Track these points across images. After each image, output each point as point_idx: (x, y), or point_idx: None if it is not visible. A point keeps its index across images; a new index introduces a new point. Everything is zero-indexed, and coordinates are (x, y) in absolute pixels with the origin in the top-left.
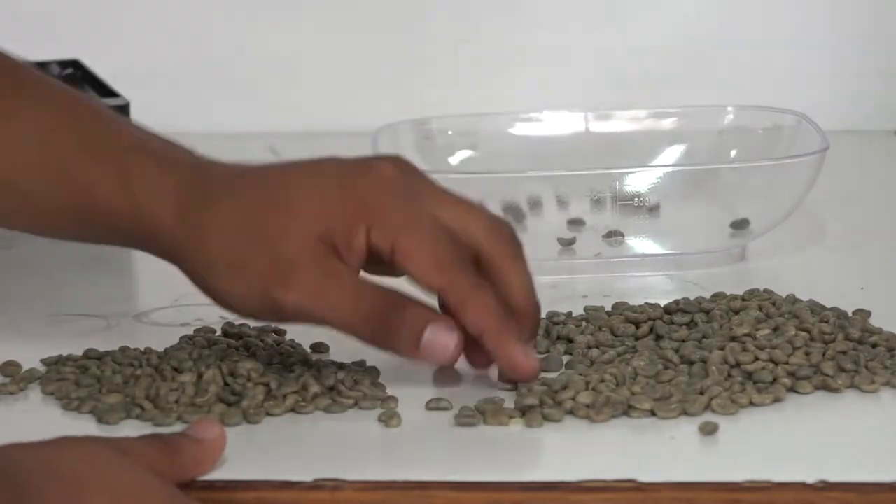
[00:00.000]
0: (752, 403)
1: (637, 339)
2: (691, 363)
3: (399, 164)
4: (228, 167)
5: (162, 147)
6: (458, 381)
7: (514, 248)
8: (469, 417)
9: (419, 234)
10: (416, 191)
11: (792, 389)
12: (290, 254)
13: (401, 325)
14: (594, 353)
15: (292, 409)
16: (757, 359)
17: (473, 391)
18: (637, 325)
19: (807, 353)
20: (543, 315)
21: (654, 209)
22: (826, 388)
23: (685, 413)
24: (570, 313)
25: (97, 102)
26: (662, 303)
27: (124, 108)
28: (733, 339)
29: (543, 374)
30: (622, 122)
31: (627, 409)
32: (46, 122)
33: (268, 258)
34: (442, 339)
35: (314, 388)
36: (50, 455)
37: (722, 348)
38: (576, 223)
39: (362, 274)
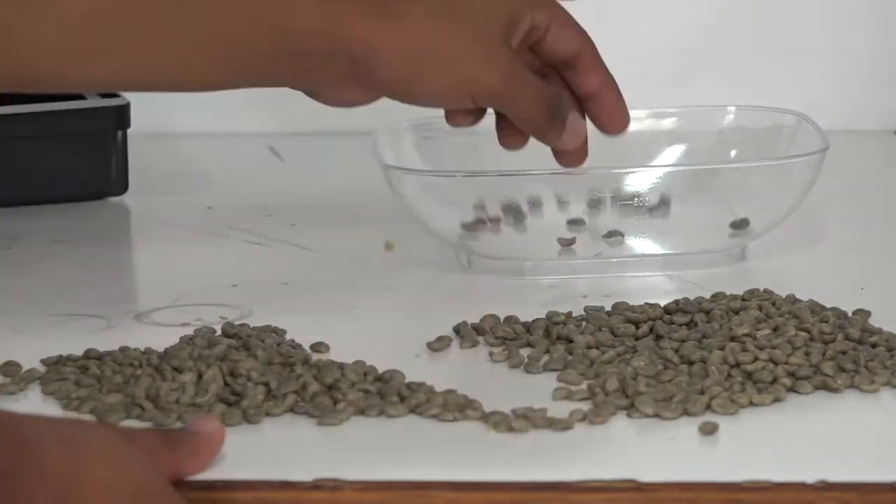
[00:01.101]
0: (752, 403)
1: (637, 339)
2: (691, 363)
3: None
4: None
5: None
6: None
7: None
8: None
9: (566, 15)
10: None
11: (792, 389)
12: (489, 43)
13: (560, 115)
14: (594, 353)
15: (292, 409)
16: (757, 359)
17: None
18: (637, 325)
19: (807, 353)
20: (543, 315)
21: (654, 209)
22: (826, 388)
23: (686, 413)
24: (570, 313)
25: None
26: (662, 303)
27: (124, 108)
28: (733, 339)
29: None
30: None
31: (629, 409)
32: None
33: (470, 48)
34: (576, 127)
35: (314, 387)
36: (59, 425)
37: (722, 348)
38: (576, 223)
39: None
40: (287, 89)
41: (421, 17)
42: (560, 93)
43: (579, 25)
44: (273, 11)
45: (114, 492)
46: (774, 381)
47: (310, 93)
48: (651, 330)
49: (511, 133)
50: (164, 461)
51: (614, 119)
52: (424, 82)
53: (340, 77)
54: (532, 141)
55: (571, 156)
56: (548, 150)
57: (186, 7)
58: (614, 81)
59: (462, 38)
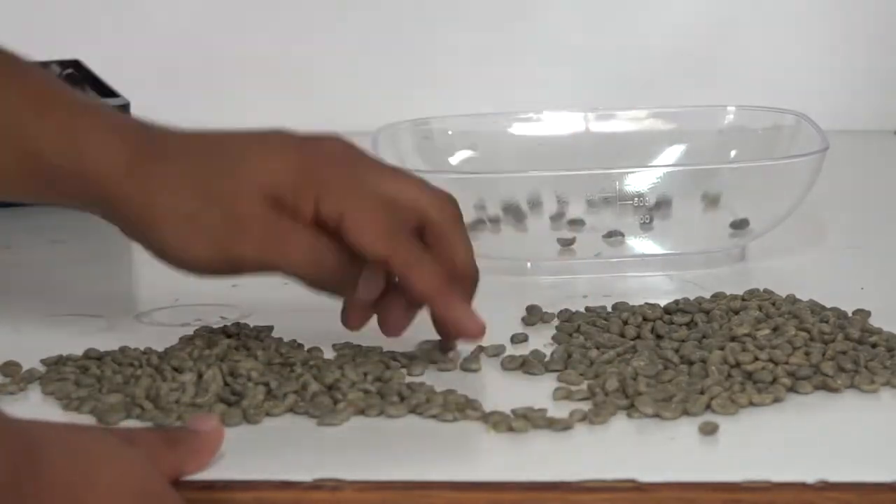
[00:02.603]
0: (752, 403)
1: (637, 338)
2: (691, 363)
3: (342, 141)
4: (178, 131)
5: (111, 110)
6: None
7: (456, 217)
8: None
9: (365, 206)
10: (361, 165)
11: (792, 389)
12: (243, 212)
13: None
14: (594, 353)
15: (292, 409)
16: (757, 359)
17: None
18: (637, 325)
19: (807, 353)
20: (555, 310)
21: (654, 209)
22: (826, 388)
23: (686, 413)
24: (570, 313)
25: (43, 70)
26: (662, 303)
27: (124, 108)
28: (733, 339)
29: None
30: (622, 122)
31: (629, 409)
32: (14, 101)
33: (220, 216)
34: (370, 281)
35: (314, 387)
36: (66, 433)
37: (722, 348)
38: (576, 223)
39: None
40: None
41: (178, 174)
42: (330, 246)
43: (389, 217)
44: (32, 144)
45: (119, 496)
46: (774, 381)
47: None
48: (651, 330)
49: (352, 312)
50: (165, 461)
51: (462, 329)
52: (172, 240)
53: (103, 217)
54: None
55: (458, 332)
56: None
57: None
58: (443, 289)
59: (215, 199)
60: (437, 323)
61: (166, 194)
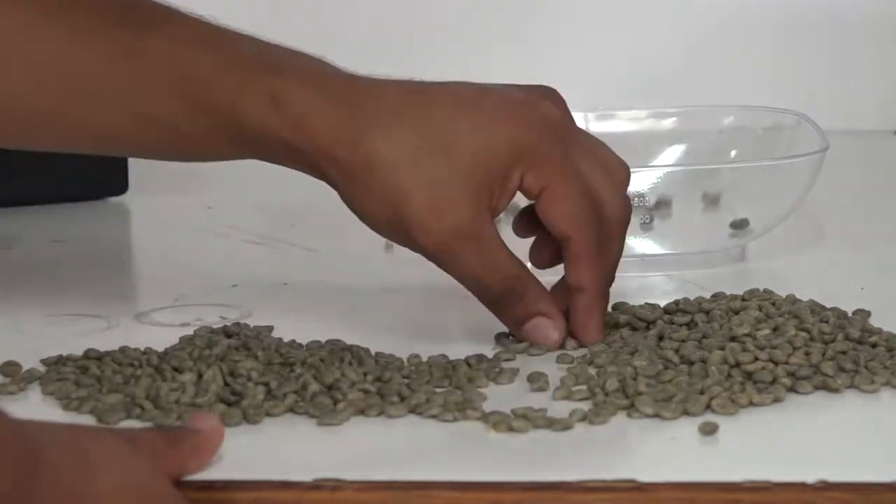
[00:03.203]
0: (752, 403)
1: (637, 338)
2: (691, 363)
3: (559, 103)
4: (383, 87)
5: (306, 64)
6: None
7: (625, 226)
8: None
9: (567, 185)
10: (572, 137)
11: (792, 389)
12: (445, 198)
13: (515, 306)
14: (594, 352)
15: (292, 409)
16: (757, 359)
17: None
18: (636, 326)
19: (807, 353)
20: None
21: (654, 209)
22: (826, 388)
23: (686, 413)
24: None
25: (219, 26)
26: (662, 303)
27: None
28: (733, 339)
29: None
30: (622, 122)
31: (629, 409)
32: (181, 53)
33: (424, 198)
34: (543, 333)
35: (314, 387)
36: (67, 433)
37: (722, 348)
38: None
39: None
40: None
41: (388, 150)
42: (521, 285)
43: (585, 203)
44: (226, 108)
45: (122, 496)
46: (774, 381)
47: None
48: (647, 328)
49: (541, 254)
50: (167, 460)
51: (583, 330)
52: (369, 215)
53: (307, 171)
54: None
55: (578, 334)
56: None
57: (138, 92)
58: (599, 288)
59: (420, 184)
60: (569, 313)
61: (377, 166)
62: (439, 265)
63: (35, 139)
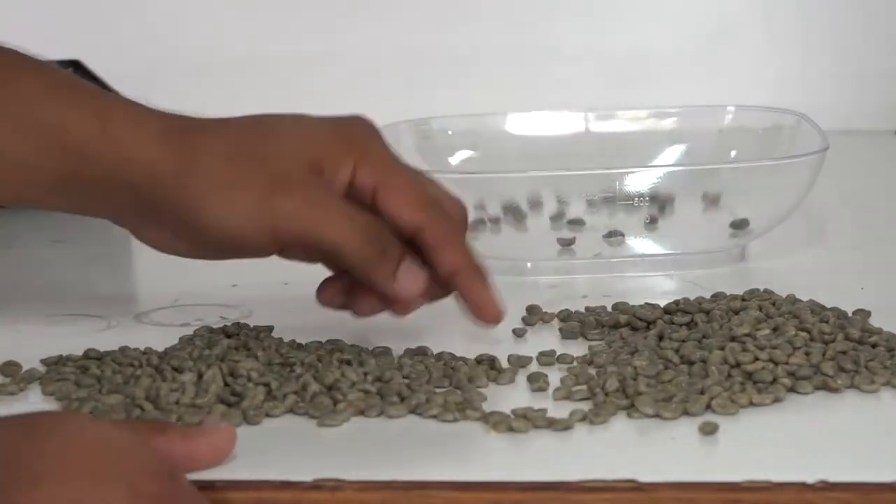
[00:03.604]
0: (752, 403)
1: (637, 338)
2: (691, 363)
3: (371, 121)
4: (210, 119)
5: (136, 101)
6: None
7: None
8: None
9: (402, 176)
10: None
11: (792, 389)
12: (287, 171)
13: (387, 250)
14: (595, 352)
15: (292, 410)
16: (757, 359)
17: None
18: (636, 326)
19: (807, 353)
20: (555, 310)
21: (654, 209)
22: (826, 388)
23: (686, 413)
24: (571, 312)
25: (54, 64)
26: (662, 303)
27: None
28: (733, 339)
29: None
30: (622, 122)
31: (629, 409)
32: (7, 76)
33: (265, 175)
34: (415, 271)
35: (314, 388)
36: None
37: (722, 348)
38: (576, 223)
39: None
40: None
41: (217, 146)
42: (386, 231)
43: (424, 192)
44: (59, 133)
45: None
46: (774, 381)
47: (132, 233)
48: (647, 327)
49: (330, 287)
50: (174, 450)
51: (482, 309)
52: (212, 207)
53: (126, 207)
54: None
55: (403, 306)
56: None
57: None
58: (473, 265)
59: (258, 165)
60: (462, 301)
61: (207, 159)
62: (305, 235)
63: None
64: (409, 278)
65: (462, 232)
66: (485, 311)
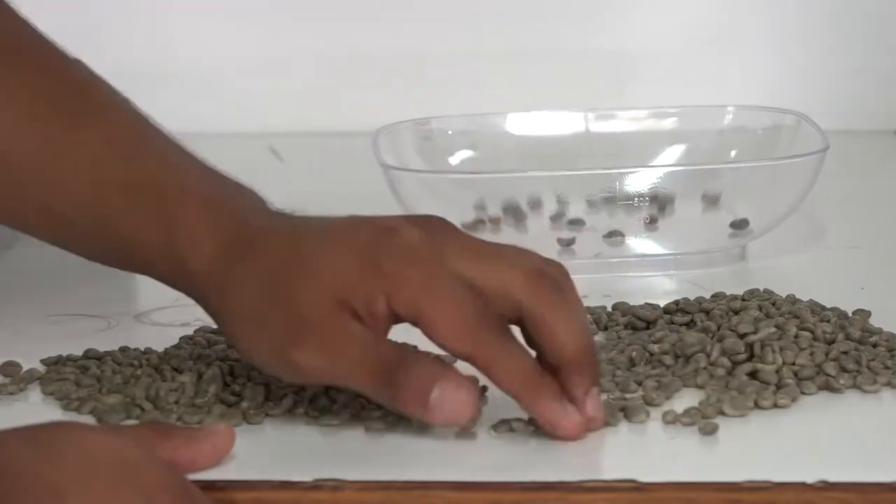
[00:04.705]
0: (755, 404)
1: (636, 338)
2: (690, 363)
3: (427, 227)
4: (267, 219)
5: (208, 192)
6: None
7: (555, 296)
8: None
9: (441, 302)
10: (442, 253)
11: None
12: (306, 314)
13: (407, 382)
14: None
15: (290, 411)
16: (760, 359)
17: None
18: (636, 326)
19: (810, 354)
20: None
21: (654, 209)
22: (829, 388)
23: (687, 413)
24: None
25: (153, 130)
26: (662, 303)
27: None
28: (734, 338)
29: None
30: (622, 122)
31: (629, 410)
32: (100, 157)
33: (285, 318)
34: (452, 398)
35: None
36: (13, 433)
37: (722, 348)
38: (576, 223)
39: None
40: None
41: (252, 278)
42: (407, 360)
43: (470, 312)
44: (122, 231)
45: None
46: (779, 381)
47: None
48: (647, 327)
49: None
50: (179, 455)
51: (552, 426)
52: (240, 342)
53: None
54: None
55: (551, 433)
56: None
57: (51, 185)
58: (533, 380)
59: (281, 306)
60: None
61: (240, 294)
62: (327, 380)
63: None
64: (443, 407)
65: (555, 309)
66: (556, 430)
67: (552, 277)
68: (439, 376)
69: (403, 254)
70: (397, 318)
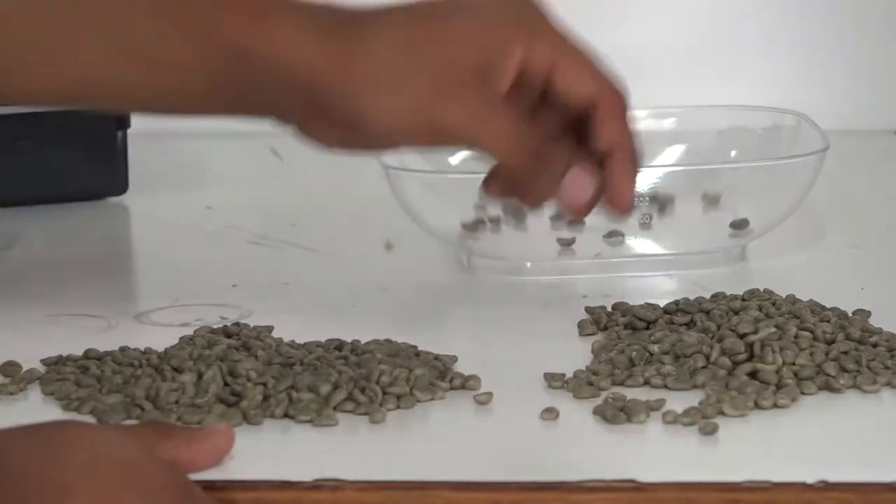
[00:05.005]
0: (755, 404)
1: (636, 338)
2: (690, 363)
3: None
4: (372, 9)
5: None
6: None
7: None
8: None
9: (575, 53)
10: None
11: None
12: (453, 79)
13: (550, 158)
14: (595, 351)
15: (289, 411)
16: (760, 359)
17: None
18: (636, 326)
19: (810, 354)
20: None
21: (654, 209)
22: (829, 388)
23: (687, 413)
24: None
25: None
26: (662, 303)
27: None
28: (734, 339)
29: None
30: None
31: (629, 410)
32: None
33: (429, 79)
34: (582, 182)
35: (308, 390)
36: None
37: (724, 349)
38: (576, 223)
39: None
40: None
41: (381, 44)
42: (550, 142)
43: (599, 67)
44: (216, 34)
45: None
46: (779, 381)
47: (294, 131)
48: (647, 327)
49: (495, 181)
50: (180, 454)
51: (615, 195)
52: (375, 108)
53: (288, 105)
54: None
55: (574, 212)
56: None
57: (119, 23)
58: (632, 148)
59: (423, 68)
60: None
61: (369, 64)
62: (466, 142)
63: (30, 81)
64: (577, 185)
65: (627, 112)
66: (617, 198)
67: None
68: (576, 159)
69: (536, 13)
70: (526, 74)
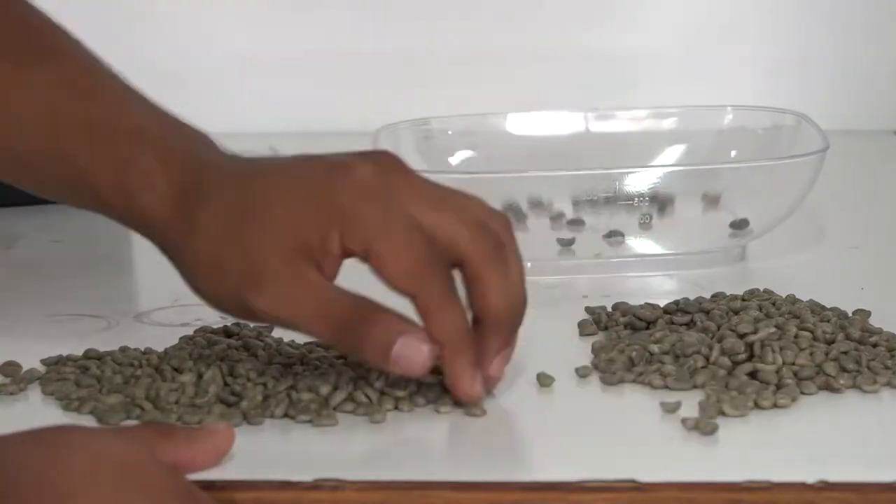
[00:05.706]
0: (755, 404)
1: (636, 338)
2: (690, 363)
3: (381, 163)
4: (222, 162)
5: (162, 134)
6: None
7: (495, 254)
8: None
9: (392, 239)
10: (395, 192)
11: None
12: (263, 261)
13: (368, 336)
14: (595, 351)
15: (288, 412)
16: (760, 359)
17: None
18: (636, 326)
19: (810, 354)
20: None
21: (654, 209)
22: (829, 388)
23: (687, 413)
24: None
25: (108, 73)
26: (662, 303)
27: None
28: (734, 338)
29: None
30: (622, 122)
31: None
32: (55, 97)
33: (242, 263)
34: (411, 353)
35: (307, 391)
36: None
37: (724, 348)
38: (576, 223)
39: (338, 282)
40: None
41: (209, 223)
42: (369, 314)
43: (418, 253)
44: (76, 169)
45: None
46: (779, 381)
47: None
48: (647, 327)
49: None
50: (180, 455)
51: (453, 390)
52: (201, 287)
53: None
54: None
55: (452, 391)
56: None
57: (9, 127)
58: (461, 337)
59: (238, 253)
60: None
61: (198, 238)
62: (282, 325)
63: None
64: (402, 360)
65: (493, 264)
66: (456, 392)
67: (495, 233)
68: (401, 331)
69: (357, 190)
70: (349, 253)
